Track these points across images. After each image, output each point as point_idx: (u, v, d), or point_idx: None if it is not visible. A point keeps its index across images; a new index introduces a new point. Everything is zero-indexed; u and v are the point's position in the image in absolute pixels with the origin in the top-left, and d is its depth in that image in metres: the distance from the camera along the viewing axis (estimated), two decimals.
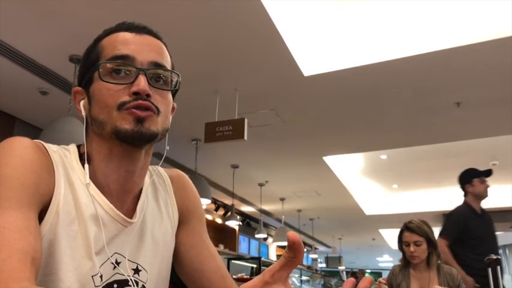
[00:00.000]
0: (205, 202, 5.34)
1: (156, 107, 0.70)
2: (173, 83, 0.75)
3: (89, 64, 0.73)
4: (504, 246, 14.63)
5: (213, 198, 7.34)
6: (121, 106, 0.68)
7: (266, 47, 3.40)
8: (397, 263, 2.56)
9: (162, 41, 0.76)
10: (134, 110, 0.68)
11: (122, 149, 0.71)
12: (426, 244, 2.37)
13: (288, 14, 3.31)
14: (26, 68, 3.59)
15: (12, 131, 4.56)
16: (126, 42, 0.71)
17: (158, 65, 0.71)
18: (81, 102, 0.74)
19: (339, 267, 15.50)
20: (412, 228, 2.40)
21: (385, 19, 3.52)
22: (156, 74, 0.72)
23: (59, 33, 3.20)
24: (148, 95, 0.69)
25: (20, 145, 0.65)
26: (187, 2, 2.88)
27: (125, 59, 0.69)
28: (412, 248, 2.36)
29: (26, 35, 3.22)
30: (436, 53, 3.43)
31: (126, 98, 0.68)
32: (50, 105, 4.28)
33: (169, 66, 0.75)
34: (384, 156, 6.88)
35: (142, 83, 0.68)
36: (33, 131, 4.69)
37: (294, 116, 4.74)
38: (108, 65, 0.69)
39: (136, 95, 0.68)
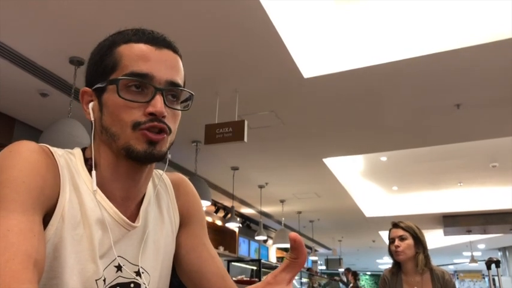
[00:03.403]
0: (205, 204, 5.34)
1: (168, 127, 0.71)
2: (186, 99, 0.77)
3: (102, 69, 0.72)
4: (504, 248, 14.62)
5: (212, 200, 7.34)
6: (136, 126, 0.69)
7: (266, 48, 3.40)
8: None
9: (178, 54, 0.76)
10: (147, 133, 0.69)
11: (128, 163, 0.72)
12: (412, 241, 2.34)
13: (287, 16, 3.32)
14: (26, 69, 3.60)
15: (12, 132, 4.57)
16: (146, 58, 0.71)
17: (174, 84, 0.72)
18: (90, 105, 0.74)
19: (339, 269, 15.47)
20: (397, 224, 2.41)
21: (384, 21, 3.53)
22: (171, 92, 0.73)
23: (59, 35, 3.20)
24: (163, 116, 0.70)
25: (27, 149, 0.66)
26: (187, 5, 2.88)
27: (144, 77, 0.70)
28: (396, 243, 2.34)
29: (26, 36, 3.22)
30: (436, 54, 3.44)
31: (141, 118, 0.69)
32: (50, 107, 4.28)
33: (182, 81, 0.76)
34: (383, 158, 6.88)
35: (159, 104, 0.69)
36: (33, 133, 4.69)
37: (294, 118, 4.74)
38: (126, 81, 0.70)
39: (152, 115, 0.69)
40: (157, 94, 0.69)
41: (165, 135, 0.71)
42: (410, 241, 2.34)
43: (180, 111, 0.76)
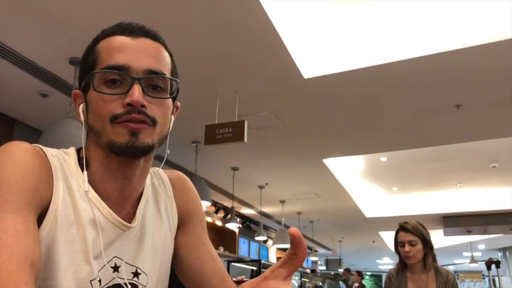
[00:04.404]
0: (205, 204, 5.33)
1: (151, 118, 0.68)
2: (172, 88, 0.73)
3: (86, 68, 0.72)
4: (504, 249, 14.61)
5: (212, 200, 7.33)
6: (114, 119, 0.67)
7: (266, 49, 3.40)
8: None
9: (160, 42, 0.74)
10: (127, 123, 0.66)
11: (118, 159, 0.70)
12: (421, 244, 2.35)
13: (288, 17, 3.32)
14: (26, 70, 3.59)
15: (12, 133, 4.56)
16: (122, 49, 0.69)
17: (153, 72, 0.69)
18: (80, 107, 0.73)
19: (339, 270, 15.47)
20: (406, 228, 2.39)
21: (384, 22, 3.53)
22: (152, 81, 0.70)
23: (59, 35, 3.20)
24: (143, 106, 0.67)
25: (19, 149, 0.65)
26: (187, 5, 2.88)
27: (120, 69, 0.68)
28: (407, 248, 2.35)
29: (26, 37, 3.22)
30: (436, 55, 3.44)
31: (119, 110, 0.66)
32: (50, 107, 4.28)
33: (167, 70, 0.73)
34: (383, 159, 6.88)
35: (136, 93, 0.66)
36: (33, 133, 4.69)
37: (294, 118, 4.74)
38: (103, 75, 0.68)
39: (130, 106, 0.66)
40: (134, 84, 0.67)
41: (147, 125, 0.68)
42: (420, 245, 2.35)
43: (169, 102, 0.73)
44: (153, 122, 0.69)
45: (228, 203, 8.01)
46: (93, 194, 0.71)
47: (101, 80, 0.68)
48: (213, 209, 8.04)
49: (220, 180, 7.06)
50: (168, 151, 0.77)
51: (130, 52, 0.69)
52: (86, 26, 3.06)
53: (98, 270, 0.69)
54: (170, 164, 5.99)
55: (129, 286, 0.73)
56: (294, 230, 0.48)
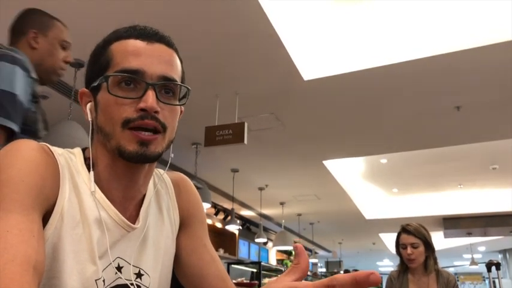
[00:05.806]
0: (205, 206, 5.31)
1: (162, 124, 0.69)
2: (182, 94, 0.74)
3: (97, 68, 0.72)
4: (504, 251, 14.61)
5: (212, 202, 7.32)
6: (126, 123, 0.67)
7: (266, 51, 3.40)
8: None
9: (173, 48, 0.75)
10: (138, 133, 0.67)
11: (125, 163, 0.71)
12: (423, 247, 2.36)
13: (288, 18, 3.32)
14: None
15: None
16: (137, 53, 0.69)
17: (167, 79, 0.70)
18: (88, 106, 0.73)
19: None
20: (409, 230, 2.39)
21: (385, 23, 3.53)
22: (164, 87, 0.71)
23: None
24: (156, 112, 0.68)
25: (26, 147, 0.65)
26: (187, 7, 2.89)
27: (135, 74, 0.68)
28: (409, 250, 2.35)
29: None
30: (436, 57, 3.44)
31: (132, 114, 0.67)
32: (49, 109, 4.24)
33: (178, 76, 0.74)
34: (384, 160, 6.88)
35: (150, 99, 0.67)
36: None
37: (294, 120, 4.74)
38: (116, 78, 0.69)
39: (143, 111, 0.67)
40: (148, 89, 0.67)
41: (159, 134, 0.69)
42: (422, 248, 2.35)
43: (178, 107, 0.74)
44: (164, 128, 0.70)
45: (228, 205, 8.01)
46: (99, 194, 0.71)
47: (115, 82, 0.69)
48: (213, 210, 8.03)
49: (220, 182, 7.06)
50: (172, 155, 0.78)
51: (145, 57, 0.69)
52: (86, 28, 3.06)
53: (102, 270, 0.69)
54: (170, 166, 5.95)
55: (135, 287, 0.73)
56: (297, 243, 0.52)
